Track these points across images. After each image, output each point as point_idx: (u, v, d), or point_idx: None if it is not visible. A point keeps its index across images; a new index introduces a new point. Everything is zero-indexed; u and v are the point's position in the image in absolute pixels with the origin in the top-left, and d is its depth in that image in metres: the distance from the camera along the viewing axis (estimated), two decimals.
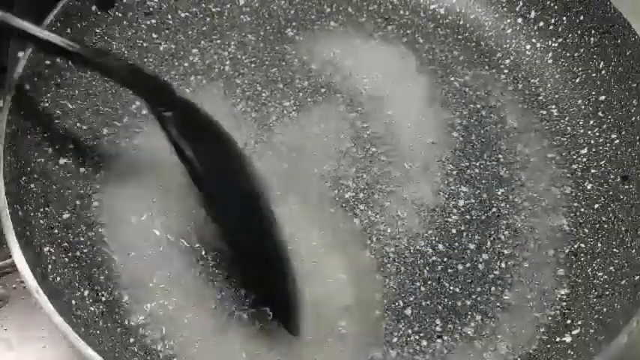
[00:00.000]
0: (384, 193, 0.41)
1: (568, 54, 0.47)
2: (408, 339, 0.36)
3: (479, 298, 0.38)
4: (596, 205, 0.41)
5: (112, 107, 0.44)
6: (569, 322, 0.36)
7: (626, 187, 0.40)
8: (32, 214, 0.36)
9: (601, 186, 0.42)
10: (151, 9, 0.48)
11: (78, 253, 0.37)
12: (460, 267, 0.39)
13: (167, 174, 0.41)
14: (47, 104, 0.40)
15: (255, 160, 0.42)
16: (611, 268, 0.37)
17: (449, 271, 0.38)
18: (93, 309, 0.35)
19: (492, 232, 0.40)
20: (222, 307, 0.37)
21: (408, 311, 0.37)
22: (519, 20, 0.49)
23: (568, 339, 0.35)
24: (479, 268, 0.39)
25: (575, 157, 0.44)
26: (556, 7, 0.47)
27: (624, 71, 0.43)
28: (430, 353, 0.36)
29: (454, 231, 0.40)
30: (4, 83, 0.38)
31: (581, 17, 0.46)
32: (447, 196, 0.41)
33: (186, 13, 0.49)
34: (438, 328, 0.36)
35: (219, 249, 0.38)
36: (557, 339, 0.36)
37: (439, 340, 0.36)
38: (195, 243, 0.39)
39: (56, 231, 0.37)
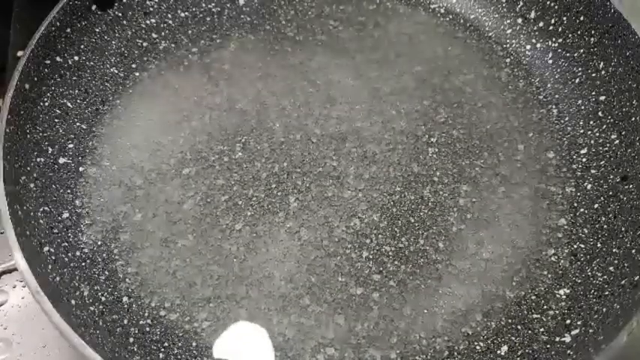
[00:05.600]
0: (385, 193, 0.41)
1: (568, 54, 0.47)
2: (408, 338, 0.36)
3: (479, 298, 0.38)
4: (596, 205, 0.41)
5: (111, 107, 0.44)
6: (569, 322, 0.36)
7: (626, 187, 0.40)
8: (32, 214, 0.36)
9: (601, 186, 0.42)
10: (151, 9, 0.48)
11: (78, 253, 0.37)
12: (461, 265, 0.39)
13: (167, 173, 0.41)
14: (47, 104, 0.40)
15: (255, 159, 0.42)
16: (611, 268, 0.37)
17: (449, 269, 0.38)
18: (93, 309, 0.35)
19: (493, 232, 0.40)
20: (222, 304, 0.37)
21: (408, 310, 0.37)
22: (519, 20, 0.49)
23: (568, 339, 0.35)
24: (480, 267, 0.39)
25: (575, 157, 0.44)
26: (556, 7, 0.47)
27: (624, 71, 0.43)
28: (430, 353, 0.36)
29: (454, 229, 0.40)
30: (4, 83, 0.38)
31: (581, 17, 0.46)
32: (447, 194, 0.41)
33: (186, 13, 0.49)
34: (438, 329, 0.36)
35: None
36: (557, 339, 0.36)
37: (439, 340, 0.36)
38: (196, 243, 0.39)
39: (56, 231, 0.37)
